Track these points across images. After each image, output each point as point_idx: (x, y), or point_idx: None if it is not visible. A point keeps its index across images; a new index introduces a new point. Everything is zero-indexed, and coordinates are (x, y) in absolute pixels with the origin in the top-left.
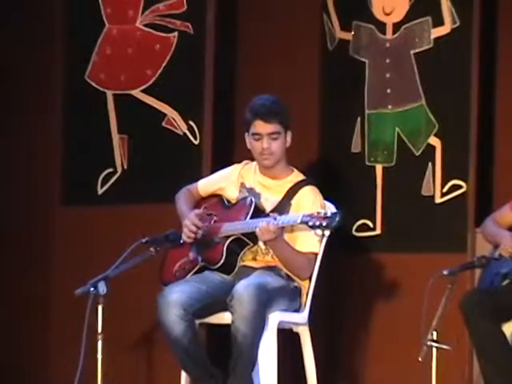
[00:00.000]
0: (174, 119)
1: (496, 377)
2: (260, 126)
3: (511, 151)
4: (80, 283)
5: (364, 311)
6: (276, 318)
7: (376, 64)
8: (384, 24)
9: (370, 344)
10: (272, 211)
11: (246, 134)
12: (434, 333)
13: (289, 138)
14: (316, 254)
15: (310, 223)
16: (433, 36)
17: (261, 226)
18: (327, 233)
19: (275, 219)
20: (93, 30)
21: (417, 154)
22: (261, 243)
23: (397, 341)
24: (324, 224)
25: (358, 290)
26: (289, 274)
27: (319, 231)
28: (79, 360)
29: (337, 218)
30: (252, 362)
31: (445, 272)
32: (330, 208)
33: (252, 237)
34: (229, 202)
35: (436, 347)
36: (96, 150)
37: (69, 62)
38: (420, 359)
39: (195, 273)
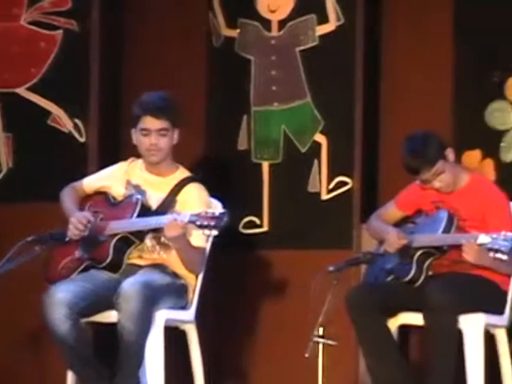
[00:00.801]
0: (59, 117)
1: (381, 371)
2: (149, 122)
3: (396, 148)
4: None
5: (252, 308)
6: (163, 316)
7: (261, 61)
8: (269, 21)
9: (258, 341)
10: (158, 208)
11: (133, 129)
12: (321, 329)
13: (176, 136)
14: (203, 250)
15: (198, 223)
16: (318, 33)
17: (168, 221)
18: (215, 232)
19: (178, 215)
20: None
21: (303, 151)
22: (147, 241)
23: (284, 337)
24: (212, 224)
25: (246, 288)
26: (175, 271)
27: (207, 231)
28: None
29: (224, 218)
30: (139, 360)
31: (330, 268)
32: (217, 206)
33: (139, 235)
34: (115, 199)
35: (322, 343)
36: None
37: None
38: (307, 355)
39: (81, 271)
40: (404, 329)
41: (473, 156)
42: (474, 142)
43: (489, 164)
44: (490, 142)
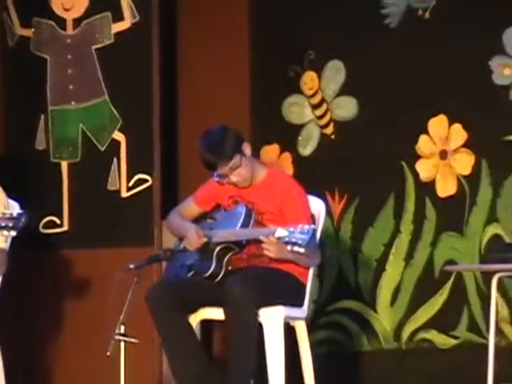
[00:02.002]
0: None
1: (183, 367)
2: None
3: (194, 145)
4: None
5: (54, 308)
6: None
7: (57, 60)
8: (64, 20)
9: (61, 340)
10: None
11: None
12: (122, 327)
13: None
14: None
15: None
16: (113, 31)
17: None
18: (13, 233)
19: None
20: None
21: (102, 150)
22: None
23: (87, 336)
24: (10, 225)
25: (49, 288)
26: None
27: (5, 232)
28: None
29: (22, 219)
30: None
31: (131, 266)
32: (15, 207)
33: None
34: None
35: (124, 341)
36: None
37: None
38: (108, 354)
39: None
40: (207, 324)
41: (271, 150)
42: (271, 136)
43: (287, 158)
44: (287, 136)
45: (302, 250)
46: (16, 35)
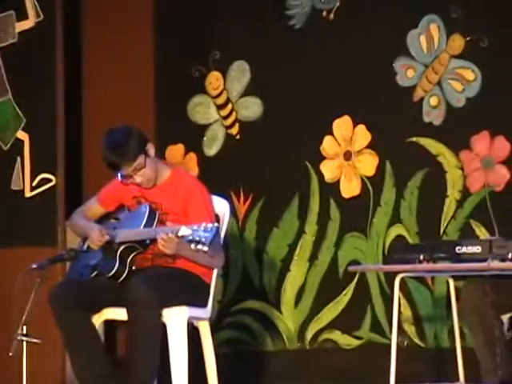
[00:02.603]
0: None
1: (86, 368)
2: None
3: (98, 145)
4: None
5: None
6: None
7: None
8: None
9: None
10: None
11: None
12: (24, 327)
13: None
14: None
15: None
16: (17, 30)
17: None
18: None
19: None
20: None
21: (5, 149)
22: None
23: None
24: None
25: None
26: None
27: None
28: None
29: None
30: None
31: (33, 266)
32: None
33: None
34: None
35: (26, 341)
36: None
37: None
38: (10, 354)
39: None
40: (110, 324)
41: (176, 150)
42: (176, 136)
43: (192, 158)
44: (192, 136)
45: (205, 249)
46: None
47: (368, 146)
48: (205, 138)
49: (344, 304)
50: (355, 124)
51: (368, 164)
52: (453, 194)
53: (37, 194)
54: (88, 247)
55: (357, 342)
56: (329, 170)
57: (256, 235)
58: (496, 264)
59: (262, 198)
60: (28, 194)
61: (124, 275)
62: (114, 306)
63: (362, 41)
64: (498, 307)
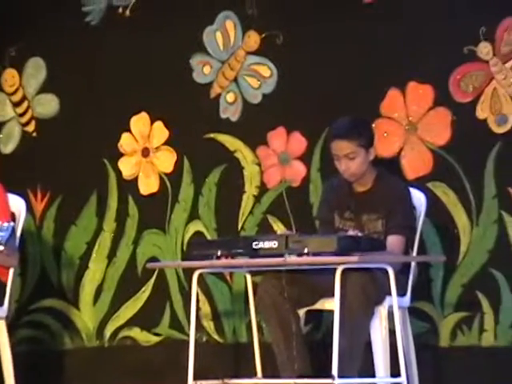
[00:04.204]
0: None
1: None
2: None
3: None
4: None
5: None
6: None
7: None
8: None
9: None
10: None
11: None
12: None
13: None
14: None
15: None
16: None
17: None
18: None
19: None
20: None
21: None
22: None
23: None
24: None
25: None
26: None
27: None
28: None
29: None
30: None
31: None
32: None
33: None
34: None
35: None
36: None
37: None
38: None
39: None
40: None
41: None
42: None
43: None
44: None
45: (1, 248)
46: None
47: (166, 143)
48: (0, 136)
49: (143, 301)
50: (152, 121)
51: (166, 160)
52: (250, 189)
53: None
54: None
55: (156, 339)
56: (127, 167)
57: (54, 233)
58: (293, 259)
59: (59, 196)
60: None
61: None
62: None
63: (159, 37)
64: (294, 302)
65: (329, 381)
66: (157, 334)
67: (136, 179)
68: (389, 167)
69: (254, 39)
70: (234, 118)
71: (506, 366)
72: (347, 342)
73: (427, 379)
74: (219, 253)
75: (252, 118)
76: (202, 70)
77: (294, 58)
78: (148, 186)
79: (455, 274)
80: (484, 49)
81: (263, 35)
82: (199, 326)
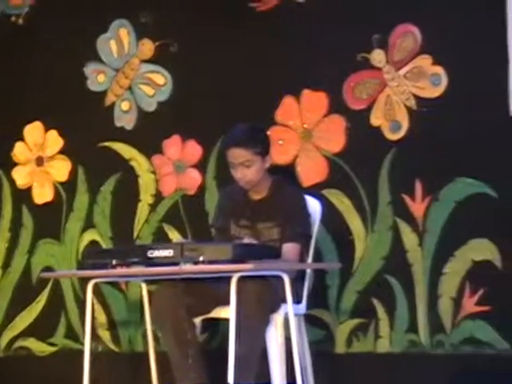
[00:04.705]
0: None
1: None
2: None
3: None
4: None
5: None
6: None
7: None
8: None
9: None
10: None
11: None
12: None
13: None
14: None
15: None
16: None
17: None
18: None
19: None
20: None
21: None
22: None
23: None
24: None
25: None
26: None
27: None
28: None
29: None
30: None
31: None
32: None
33: None
34: None
35: None
36: None
37: None
38: None
39: None
40: None
41: None
42: None
43: None
44: None
45: None
46: None
47: (60, 152)
48: None
49: (38, 311)
50: (47, 129)
51: (60, 170)
52: (145, 198)
53: None
54: None
55: (51, 349)
56: (20, 176)
57: None
58: (188, 267)
59: None
60: None
61: None
62: None
63: (52, 46)
64: (190, 310)
65: None
66: (52, 344)
67: (30, 188)
68: (284, 175)
69: (148, 47)
70: (128, 127)
71: (401, 372)
72: (243, 350)
73: None
74: (114, 262)
75: (147, 126)
76: (96, 78)
77: (188, 65)
78: (42, 195)
79: (351, 280)
80: (377, 56)
81: (157, 43)
82: (95, 336)
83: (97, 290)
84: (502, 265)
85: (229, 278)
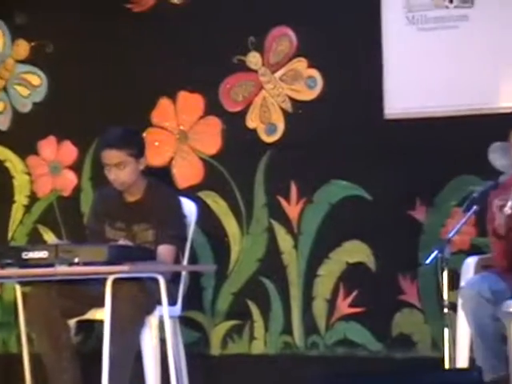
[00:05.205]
0: None
1: None
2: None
3: None
4: None
5: None
6: None
7: None
8: None
9: None
10: None
11: None
12: None
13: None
14: None
15: None
16: None
17: None
18: None
19: None
20: None
21: None
22: None
23: None
24: None
25: None
26: None
27: None
28: None
29: None
30: None
31: None
32: None
33: None
34: None
35: None
36: None
37: None
38: None
39: None
40: None
41: None
42: None
43: None
44: None
45: None
46: None
47: None
48: None
49: None
50: None
51: None
52: (20, 199)
53: None
54: None
55: None
56: None
57: None
58: (63, 269)
59: None
60: None
61: None
62: None
63: None
64: (65, 312)
65: None
66: None
67: None
68: (160, 176)
69: (23, 48)
70: (3, 127)
71: (276, 374)
72: (118, 352)
73: None
74: None
75: (22, 126)
76: None
77: (64, 66)
78: None
79: (226, 282)
80: (253, 58)
81: (32, 44)
82: None
83: None
84: (376, 266)
85: (104, 280)
